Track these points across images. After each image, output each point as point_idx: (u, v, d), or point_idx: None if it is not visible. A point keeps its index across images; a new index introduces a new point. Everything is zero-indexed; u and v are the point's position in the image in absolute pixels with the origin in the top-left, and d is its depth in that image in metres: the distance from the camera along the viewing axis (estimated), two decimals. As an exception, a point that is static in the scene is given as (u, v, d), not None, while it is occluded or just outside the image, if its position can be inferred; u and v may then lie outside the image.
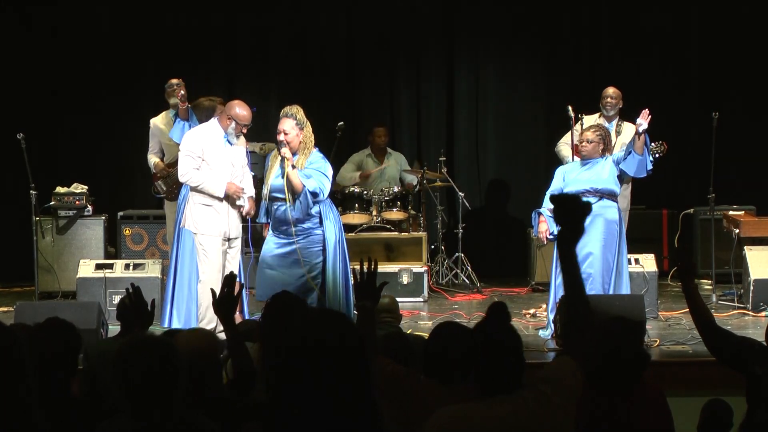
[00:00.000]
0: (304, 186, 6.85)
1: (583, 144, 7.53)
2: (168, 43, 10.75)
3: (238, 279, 4.19)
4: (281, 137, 6.91)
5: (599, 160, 7.47)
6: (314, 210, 6.96)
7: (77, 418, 3.36)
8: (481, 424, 2.91)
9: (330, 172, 7.07)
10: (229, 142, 7.30)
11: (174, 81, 8.62)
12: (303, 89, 10.97)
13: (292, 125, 6.92)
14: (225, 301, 3.96)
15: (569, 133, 8.94)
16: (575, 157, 8.17)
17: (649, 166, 7.51)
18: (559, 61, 10.93)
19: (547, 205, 7.54)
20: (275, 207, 7.02)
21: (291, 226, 6.93)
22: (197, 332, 3.99)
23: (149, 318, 4.08)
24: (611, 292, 7.34)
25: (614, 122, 9.01)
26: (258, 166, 9.82)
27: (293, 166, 6.85)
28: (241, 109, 7.30)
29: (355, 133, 10.41)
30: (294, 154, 6.92)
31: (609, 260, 7.36)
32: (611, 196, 7.41)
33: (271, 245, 7.09)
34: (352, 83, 11.04)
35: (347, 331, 2.66)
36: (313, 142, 7.02)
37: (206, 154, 7.23)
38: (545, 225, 7.48)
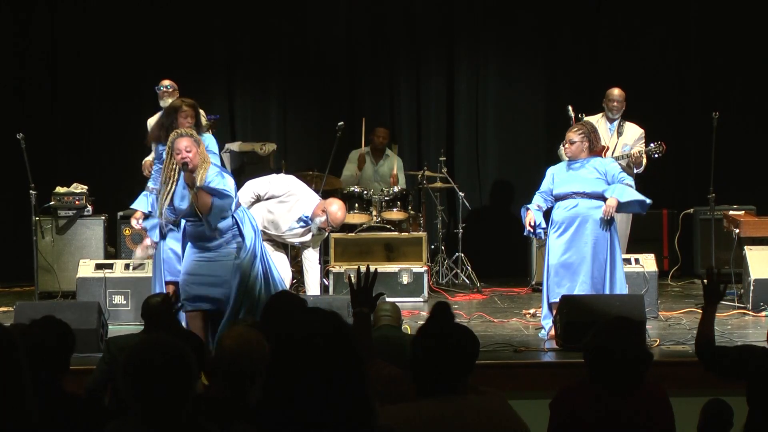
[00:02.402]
0: (213, 200, 6.43)
1: (567, 145, 7.48)
2: (168, 43, 10.75)
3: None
4: (182, 156, 6.40)
5: (587, 160, 7.41)
6: (229, 222, 6.58)
7: (68, 417, 3.34)
8: (420, 425, 2.89)
9: (231, 184, 6.61)
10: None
11: (167, 83, 8.61)
12: (303, 89, 10.98)
13: (191, 142, 6.45)
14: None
15: None
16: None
17: (648, 201, 7.45)
18: (559, 61, 10.93)
19: (535, 202, 7.53)
20: (188, 224, 6.61)
21: (215, 238, 6.55)
22: (247, 332, 3.92)
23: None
24: (606, 292, 7.32)
25: (616, 122, 9.02)
26: (257, 166, 9.83)
27: (197, 187, 6.43)
28: (338, 209, 8.05)
29: (354, 133, 10.41)
30: (193, 170, 6.47)
31: (601, 260, 7.33)
32: (600, 197, 7.36)
33: (192, 256, 6.65)
34: (352, 83, 11.04)
35: (341, 330, 2.66)
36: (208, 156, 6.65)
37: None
38: (531, 215, 7.46)
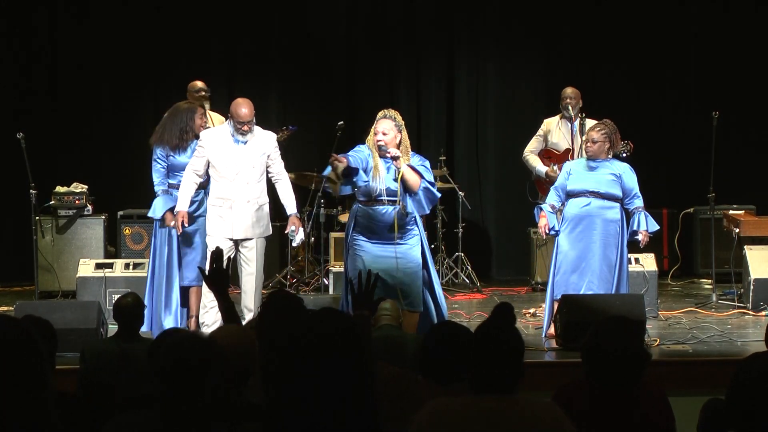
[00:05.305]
0: (422, 179, 6.63)
1: (588, 144, 7.48)
2: (168, 43, 10.75)
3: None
4: (379, 138, 6.68)
5: (606, 162, 7.39)
6: (410, 208, 6.69)
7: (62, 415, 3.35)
8: (472, 417, 2.92)
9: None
10: (240, 141, 7.22)
11: (202, 84, 8.74)
12: (303, 89, 10.97)
13: (391, 126, 6.71)
14: (215, 275, 4.23)
15: (534, 139, 9.02)
16: (582, 155, 8.13)
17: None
18: (558, 61, 10.92)
19: (549, 201, 7.52)
20: (372, 210, 6.72)
21: (395, 229, 6.62)
22: (237, 330, 3.95)
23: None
24: (613, 290, 7.32)
25: (577, 122, 8.98)
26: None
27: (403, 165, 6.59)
28: (236, 107, 7.22)
29: (354, 132, 10.40)
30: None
31: (611, 258, 7.33)
32: (613, 199, 7.36)
33: (369, 247, 6.73)
34: (352, 83, 11.03)
35: (345, 329, 2.66)
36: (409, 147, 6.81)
37: (212, 155, 7.21)
38: (545, 220, 7.46)
